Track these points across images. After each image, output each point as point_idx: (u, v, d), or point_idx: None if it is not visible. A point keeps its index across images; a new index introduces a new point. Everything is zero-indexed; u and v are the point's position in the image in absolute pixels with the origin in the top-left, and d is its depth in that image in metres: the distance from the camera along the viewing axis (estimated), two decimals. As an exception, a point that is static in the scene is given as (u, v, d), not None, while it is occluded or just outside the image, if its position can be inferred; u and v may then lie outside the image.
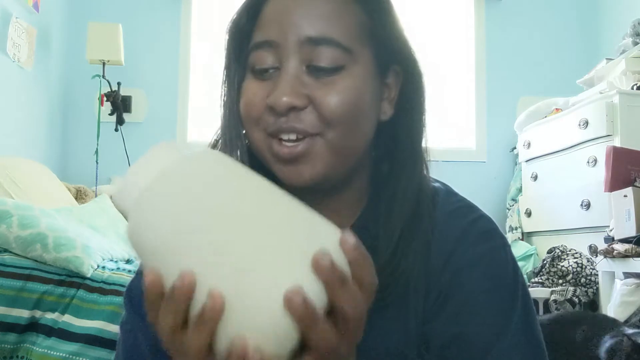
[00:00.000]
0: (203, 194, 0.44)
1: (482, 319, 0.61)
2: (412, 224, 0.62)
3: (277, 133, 0.58)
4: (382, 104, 0.64)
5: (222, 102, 0.66)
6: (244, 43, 0.63)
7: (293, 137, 0.58)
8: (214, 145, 0.67)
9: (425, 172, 0.66)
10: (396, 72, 0.65)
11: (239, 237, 0.41)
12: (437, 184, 0.68)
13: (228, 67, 0.65)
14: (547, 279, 2.39)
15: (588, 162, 2.48)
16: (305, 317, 0.39)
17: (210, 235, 0.42)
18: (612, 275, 2.12)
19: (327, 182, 0.61)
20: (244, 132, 0.64)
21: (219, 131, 0.67)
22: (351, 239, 0.42)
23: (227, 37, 0.65)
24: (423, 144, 0.66)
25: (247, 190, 0.46)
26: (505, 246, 0.65)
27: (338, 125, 0.58)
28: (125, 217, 0.47)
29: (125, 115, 3.18)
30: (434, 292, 0.62)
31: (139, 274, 0.68)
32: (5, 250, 1.74)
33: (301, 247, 0.41)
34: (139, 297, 0.66)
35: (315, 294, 0.40)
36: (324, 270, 0.40)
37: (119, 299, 1.60)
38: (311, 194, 0.64)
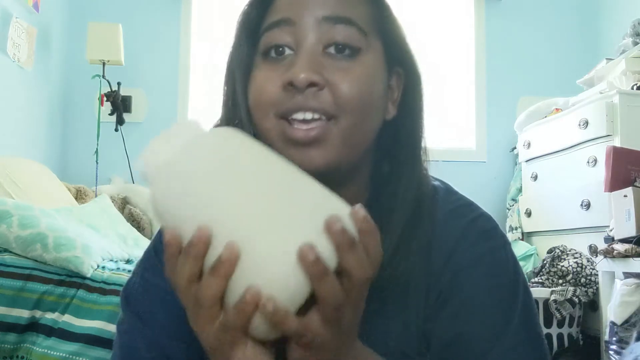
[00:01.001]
0: (223, 165, 0.47)
1: (483, 318, 0.61)
2: (412, 223, 0.62)
3: (292, 111, 0.57)
4: (387, 103, 0.65)
5: (227, 93, 0.65)
6: (254, 32, 0.62)
7: (309, 116, 0.57)
8: None
9: (425, 172, 0.66)
10: (399, 75, 0.65)
11: (257, 201, 0.45)
12: (436, 183, 0.68)
13: (237, 56, 0.64)
14: (547, 279, 2.39)
15: (588, 162, 2.48)
16: (316, 271, 0.41)
17: (229, 199, 0.45)
18: (612, 275, 2.12)
19: (336, 171, 0.60)
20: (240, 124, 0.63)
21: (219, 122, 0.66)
22: (362, 211, 0.46)
23: (237, 27, 0.64)
24: (423, 145, 0.66)
25: (264, 162, 0.49)
26: (505, 245, 0.65)
27: (351, 111, 0.58)
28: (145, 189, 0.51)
29: (125, 115, 3.18)
30: (435, 291, 0.62)
31: (135, 274, 0.69)
32: (5, 250, 1.74)
33: (315, 212, 0.44)
34: (136, 298, 0.66)
35: (327, 253, 0.43)
36: (335, 232, 0.43)
37: (119, 299, 1.59)
38: None
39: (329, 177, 0.61)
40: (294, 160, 0.58)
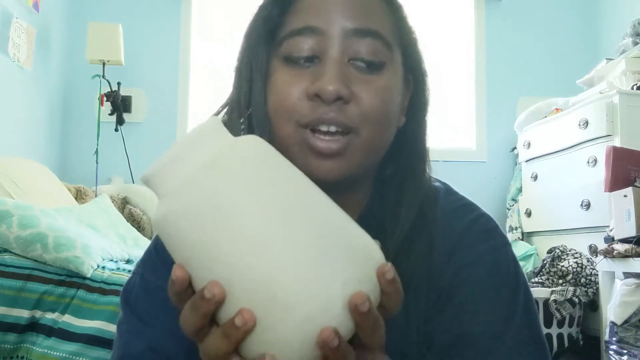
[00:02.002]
0: (258, 191, 0.41)
1: (484, 318, 0.60)
2: (415, 225, 0.62)
3: (316, 123, 0.56)
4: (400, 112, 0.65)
5: (239, 90, 0.62)
6: (273, 31, 0.60)
7: (333, 129, 0.56)
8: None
9: (427, 174, 0.66)
10: (408, 81, 0.65)
11: (278, 251, 0.40)
12: (437, 184, 0.68)
13: (254, 55, 0.61)
14: (547, 279, 2.39)
15: (588, 162, 2.48)
16: (335, 355, 0.39)
17: (248, 243, 0.40)
18: (612, 275, 2.12)
19: (349, 179, 0.60)
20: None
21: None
22: (390, 271, 0.43)
23: (253, 23, 0.62)
24: (427, 150, 0.67)
25: (291, 195, 0.43)
26: (506, 245, 0.65)
27: (373, 123, 0.58)
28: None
29: (125, 115, 3.18)
30: (435, 291, 0.62)
31: (135, 274, 0.68)
32: (5, 250, 1.74)
33: (340, 275, 0.40)
34: (136, 298, 0.66)
35: (346, 331, 0.40)
36: (360, 314, 0.40)
37: (119, 299, 1.59)
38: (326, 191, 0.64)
39: (341, 184, 0.61)
40: (310, 169, 0.57)
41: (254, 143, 0.45)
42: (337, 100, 0.56)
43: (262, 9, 0.62)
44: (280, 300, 0.39)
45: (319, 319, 0.39)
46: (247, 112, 0.62)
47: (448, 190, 0.68)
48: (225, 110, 0.66)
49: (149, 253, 0.69)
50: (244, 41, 0.63)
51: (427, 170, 0.66)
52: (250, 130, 0.61)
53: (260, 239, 0.40)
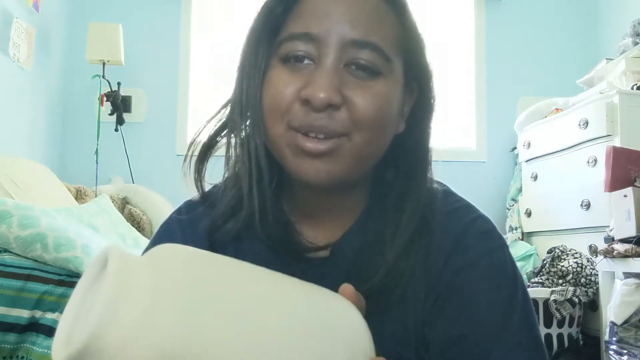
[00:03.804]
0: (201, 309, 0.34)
1: (482, 320, 0.60)
2: (414, 231, 0.62)
3: (305, 129, 0.56)
4: (399, 118, 0.64)
5: (239, 89, 0.62)
6: (276, 30, 0.60)
7: (321, 136, 0.57)
8: (215, 136, 0.65)
9: (428, 179, 0.66)
10: (411, 88, 0.64)
11: None
12: (435, 185, 0.68)
13: (255, 52, 0.61)
14: (547, 279, 2.39)
15: (588, 162, 2.48)
16: None
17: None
18: (612, 275, 2.12)
19: (340, 183, 0.60)
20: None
21: (223, 120, 0.65)
22: None
23: (257, 20, 0.62)
24: (429, 158, 0.66)
25: (249, 301, 0.37)
26: (503, 247, 0.65)
27: (366, 129, 0.57)
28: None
29: (125, 115, 3.18)
30: (433, 293, 0.62)
31: None
32: (5, 250, 1.74)
33: None
34: None
35: None
36: None
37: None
38: (318, 194, 0.64)
39: (333, 189, 0.61)
40: (299, 170, 0.57)
41: (163, 261, 0.37)
42: (327, 107, 0.56)
43: (265, 7, 0.62)
44: None
45: None
46: (248, 112, 0.61)
47: (446, 192, 0.68)
48: (226, 110, 0.66)
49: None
50: (246, 39, 0.63)
51: (429, 175, 0.66)
52: (250, 129, 0.61)
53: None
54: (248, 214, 0.62)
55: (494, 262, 0.63)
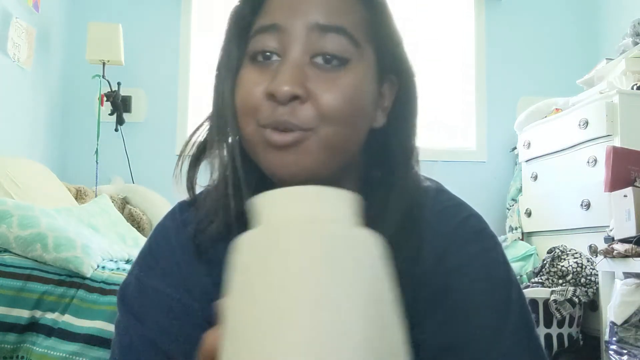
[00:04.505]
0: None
1: (477, 322, 0.59)
2: (402, 227, 0.60)
3: (272, 126, 0.56)
4: (376, 111, 0.63)
5: (216, 92, 0.63)
6: (245, 30, 0.60)
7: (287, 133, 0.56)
8: (204, 142, 0.65)
9: (416, 177, 0.65)
10: (392, 82, 0.63)
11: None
12: (427, 183, 0.67)
13: (227, 55, 0.62)
14: (547, 279, 2.39)
15: (588, 162, 2.48)
16: None
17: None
18: (612, 275, 2.12)
19: (315, 179, 0.58)
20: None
21: (208, 123, 0.65)
22: None
23: (228, 23, 0.62)
24: (415, 152, 0.64)
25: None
26: (496, 246, 0.64)
27: (334, 122, 0.56)
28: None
29: (125, 115, 3.18)
30: (424, 296, 0.60)
31: (131, 274, 0.68)
32: (5, 250, 1.74)
33: None
34: (131, 298, 0.66)
35: None
36: None
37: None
38: None
39: (307, 182, 0.61)
40: (271, 164, 0.57)
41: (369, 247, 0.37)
42: (292, 100, 0.55)
43: (234, 9, 0.62)
44: None
45: None
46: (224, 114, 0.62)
47: (439, 190, 0.67)
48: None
49: (143, 254, 0.68)
50: (221, 43, 0.64)
51: (416, 170, 0.65)
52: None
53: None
54: (229, 216, 0.62)
55: (487, 262, 0.62)
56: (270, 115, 0.56)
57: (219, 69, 0.63)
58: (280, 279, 0.32)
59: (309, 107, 0.56)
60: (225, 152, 0.62)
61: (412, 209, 0.62)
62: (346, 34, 0.57)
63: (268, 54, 0.58)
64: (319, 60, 0.57)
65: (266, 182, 0.62)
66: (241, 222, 0.61)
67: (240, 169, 0.60)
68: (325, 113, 0.56)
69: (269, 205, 0.38)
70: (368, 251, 0.37)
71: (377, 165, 0.64)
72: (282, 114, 0.55)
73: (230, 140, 0.61)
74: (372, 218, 0.61)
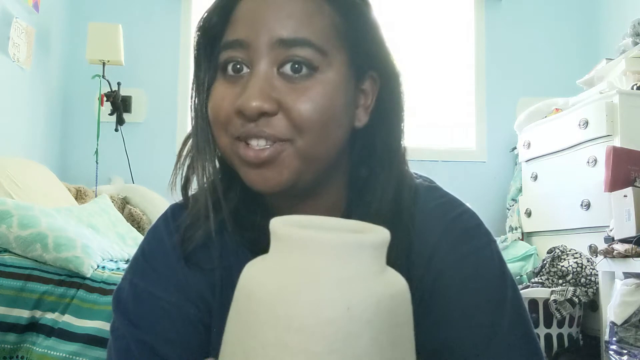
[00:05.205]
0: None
1: (470, 323, 0.58)
2: (391, 226, 0.60)
3: (245, 137, 0.56)
4: (357, 111, 0.62)
5: (192, 105, 0.63)
6: (215, 43, 0.60)
7: (262, 142, 0.56)
8: (183, 149, 0.65)
9: (404, 175, 0.64)
10: (373, 79, 0.63)
11: None
12: (419, 180, 0.66)
13: (197, 69, 0.62)
14: (547, 279, 2.39)
15: (588, 162, 2.48)
16: None
17: None
18: (612, 275, 2.12)
19: (295, 188, 0.59)
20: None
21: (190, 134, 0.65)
22: None
23: (196, 36, 0.62)
24: (402, 148, 0.64)
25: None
26: (490, 243, 0.63)
27: (308, 132, 0.55)
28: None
29: (125, 115, 3.18)
30: (416, 296, 0.59)
31: (124, 279, 0.68)
32: (5, 250, 1.74)
33: None
34: (126, 303, 0.66)
35: None
36: None
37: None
38: (285, 199, 0.63)
39: (292, 194, 0.60)
40: (249, 180, 0.57)
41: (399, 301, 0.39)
42: (261, 116, 0.55)
43: (202, 18, 0.61)
44: None
45: None
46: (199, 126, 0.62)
47: (430, 187, 0.66)
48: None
49: (136, 259, 0.68)
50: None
51: (405, 169, 0.64)
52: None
53: None
54: (209, 227, 0.62)
55: (480, 261, 0.61)
56: (241, 129, 0.56)
57: (193, 82, 0.63)
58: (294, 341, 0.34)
59: (281, 119, 0.55)
60: (206, 164, 0.62)
61: (399, 207, 0.61)
62: (311, 46, 0.56)
63: (238, 66, 0.57)
64: (287, 70, 0.56)
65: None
66: (221, 232, 0.62)
67: (218, 185, 0.61)
68: (297, 124, 0.55)
69: (289, 246, 0.38)
70: (391, 307, 0.39)
71: (363, 165, 0.64)
72: (253, 127, 0.55)
73: (207, 153, 0.62)
74: (359, 218, 0.61)
